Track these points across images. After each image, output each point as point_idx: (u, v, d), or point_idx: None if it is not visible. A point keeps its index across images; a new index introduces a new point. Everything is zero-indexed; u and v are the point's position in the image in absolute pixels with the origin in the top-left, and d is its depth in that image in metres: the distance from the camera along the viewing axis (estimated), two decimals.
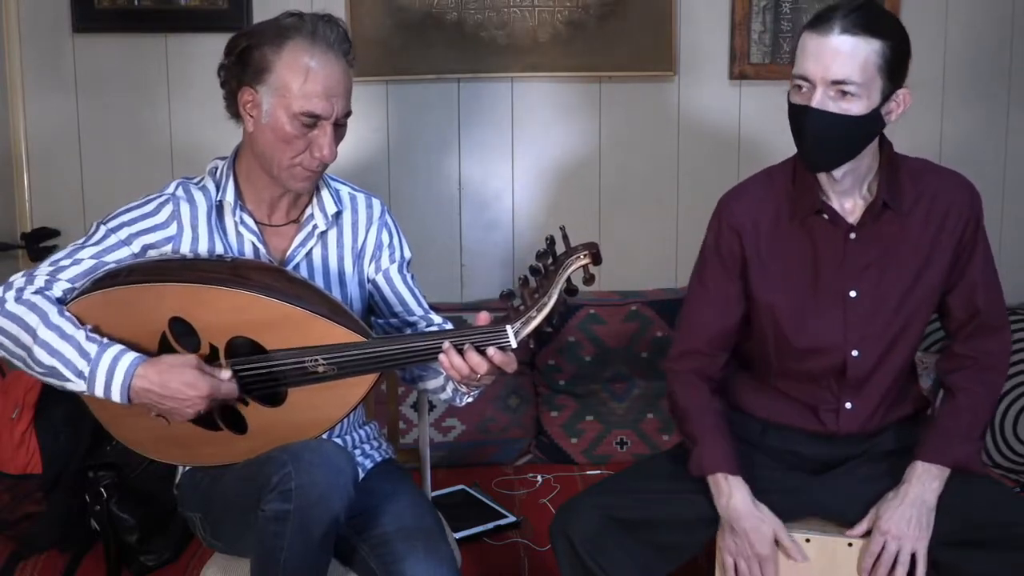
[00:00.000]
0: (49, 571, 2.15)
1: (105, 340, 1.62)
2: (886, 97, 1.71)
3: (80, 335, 1.60)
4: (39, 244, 2.69)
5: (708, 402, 1.90)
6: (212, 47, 2.76)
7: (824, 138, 1.71)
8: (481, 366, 1.59)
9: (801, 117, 1.72)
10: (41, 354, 1.59)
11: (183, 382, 1.59)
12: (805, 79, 1.70)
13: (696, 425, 1.87)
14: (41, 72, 2.79)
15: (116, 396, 1.60)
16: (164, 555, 2.19)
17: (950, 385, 1.85)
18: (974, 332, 1.86)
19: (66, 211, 2.81)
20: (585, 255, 1.55)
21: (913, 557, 1.74)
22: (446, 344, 1.59)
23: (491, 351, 1.58)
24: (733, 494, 1.79)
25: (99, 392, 1.60)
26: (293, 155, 1.70)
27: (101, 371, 1.59)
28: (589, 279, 1.55)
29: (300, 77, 1.66)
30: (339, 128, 1.74)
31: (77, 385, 1.60)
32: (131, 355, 1.60)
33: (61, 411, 2.21)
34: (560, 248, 1.57)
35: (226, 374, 1.63)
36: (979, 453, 1.83)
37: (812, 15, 1.75)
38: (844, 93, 1.67)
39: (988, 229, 1.87)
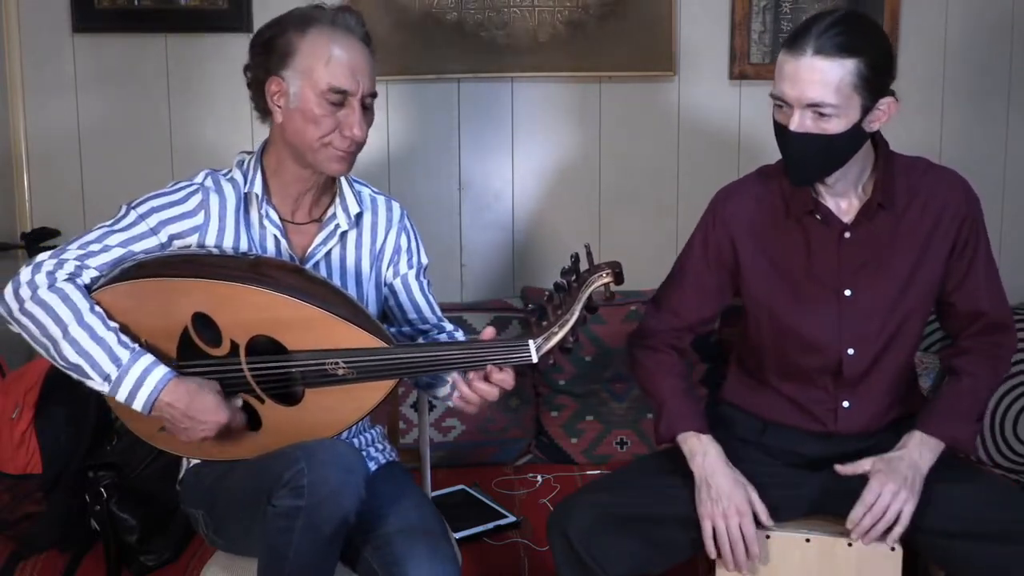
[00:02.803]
0: (49, 571, 2.15)
1: (136, 347, 1.64)
2: (867, 109, 1.71)
3: (111, 338, 1.62)
4: (39, 244, 2.69)
5: (673, 365, 1.94)
6: (212, 47, 2.80)
7: (807, 157, 1.73)
8: (491, 394, 1.63)
9: (783, 138, 1.74)
10: (68, 351, 1.61)
11: (207, 407, 1.63)
12: (783, 100, 1.71)
13: (663, 387, 1.90)
14: (41, 72, 2.78)
15: (139, 406, 1.62)
16: (164, 555, 2.19)
17: (955, 367, 1.86)
18: (980, 332, 1.87)
19: (66, 211, 2.81)
20: (607, 273, 1.55)
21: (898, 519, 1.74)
22: (462, 389, 1.64)
23: (489, 368, 1.61)
24: (708, 451, 1.81)
25: (122, 398, 1.62)
26: (322, 135, 1.72)
27: (129, 380, 1.61)
28: (610, 297, 1.56)
29: (324, 57, 1.70)
30: (367, 112, 1.75)
31: (100, 386, 1.62)
32: (162, 369, 1.63)
33: (61, 411, 2.20)
34: (584, 265, 1.58)
35: (238, 402, 1.67)
36: (975, 436, 1.84)
37: (799, 23, 1.74)
38: (821, 114, 1.68)
39: (988, 229, 1.87)
